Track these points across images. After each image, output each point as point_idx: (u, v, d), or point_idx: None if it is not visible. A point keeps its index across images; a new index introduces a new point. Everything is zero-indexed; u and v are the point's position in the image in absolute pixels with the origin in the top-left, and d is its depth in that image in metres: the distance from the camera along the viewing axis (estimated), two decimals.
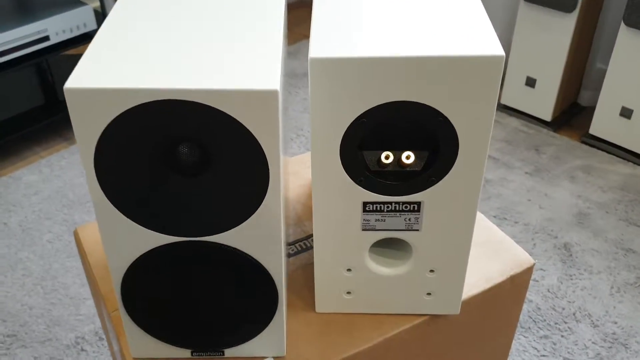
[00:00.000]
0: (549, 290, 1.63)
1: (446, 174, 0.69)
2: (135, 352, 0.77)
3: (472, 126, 0.65)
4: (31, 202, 1.87)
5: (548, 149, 2.14)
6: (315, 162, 0.69)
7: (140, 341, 0.75)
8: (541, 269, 1.70)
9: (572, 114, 2.31)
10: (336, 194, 0.71)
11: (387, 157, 0.69)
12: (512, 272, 0.90)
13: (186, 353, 0.76)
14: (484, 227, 0.97)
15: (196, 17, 0.68)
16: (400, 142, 0.69)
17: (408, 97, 0.63)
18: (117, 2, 0.72)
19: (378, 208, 0.72)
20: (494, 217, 1.86)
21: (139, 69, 0.58)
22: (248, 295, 0.71)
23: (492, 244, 0.94)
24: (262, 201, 0.63)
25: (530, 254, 1.91)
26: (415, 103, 0.64)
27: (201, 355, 0.76)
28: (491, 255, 0.92)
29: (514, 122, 2.27)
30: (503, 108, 2.32)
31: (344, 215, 0.73)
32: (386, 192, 0.71)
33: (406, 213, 0.73)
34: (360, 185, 0.70)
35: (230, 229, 0.65)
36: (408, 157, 0.69)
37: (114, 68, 0.58)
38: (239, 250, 0.67)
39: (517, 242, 1.90)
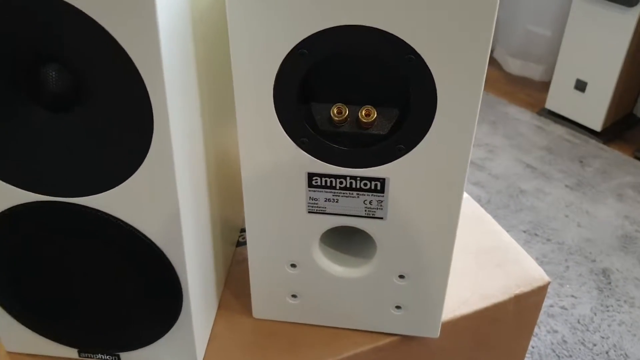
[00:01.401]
0: (579, 322, 1.40)
1: (419, 142, 0.50)
2: (10, 346, 0.60)
3: (457, 73, 0.46)
4: None
5: (594, 162, 1.90)
6: (242, 114, 0.51)
7: (13, 333, 0.58)
8: (572, 296, 1.46)
9: (626, 126, 2.05)
10: (271, 161, 0.52)
11: (339, 112, 0.50)
12: (518, 290, 0.69)
13: (72, 353, 0.59)
14: (488, 230, 0.77)
15: None
16: (359, 93, 0.50)
17: (363, 21, 0.44)
18: None
19: (328, 183, 0.53)
20: (524, 232, 1.64)
21: None
22: (143, 287, 0.53)
23: (495, 252, 0.74)
24: (146, 153, 0.45)
25: (562, 277, 1.68)
26: (374, 30, 0.45)
27: (90, 357, 0.58)
28: (493, 266, 0.72)
29: (559, 129, 2.04)
30: (547, 114, 2.09)
31: (283, 191, 0.54)
32: (338, 161, 0.52)
33: (366, 193, 0.53)
34: (303, 150, 0.51)
35: (106, 189, 0.47)
36: (368, 114, 0.50)
37: None
38: (120, 220, 0.49)
39: (547, 263, 1.67)
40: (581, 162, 1.91)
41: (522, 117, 2.12)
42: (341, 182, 0.53)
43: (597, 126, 1.97)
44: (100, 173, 0.47)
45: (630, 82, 1.96)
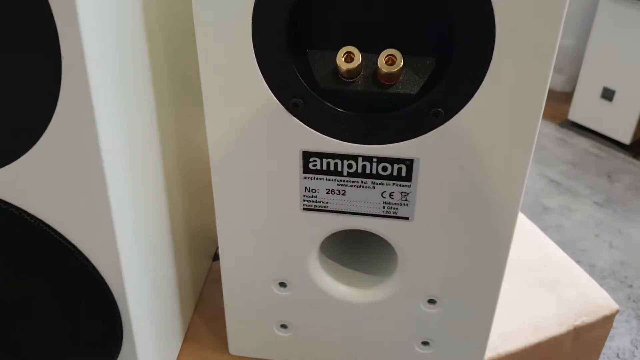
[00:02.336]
0: (618, 356, 1.23)
1: (466, 103, 0.34)
2: None
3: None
4: None
5: (624, 178, 1.74)
6: (207, 64, 0.35)
7: None
8: None
9: None
10: (250, 133, 0.37)
11: (349, 59, 0.34)
12: (578, 321, 0.53)
13: None
14: (535, 243, 0.61)
15: None
16: (377, 32, 0.34)
17: None
18: None
19: (331, 167, 0.37)
20: None
21: None
22: (67, 315, 0.37)
23: (547, 270, 0.58)
24: (52, 111, 0.29)
25: None
26: None
27: None
28: (544, 289, 0.56)
29: (584, 142, 1.88)
30: (571, 125, 1.93)
31: (267, 179, 0.38)
32: (347, 134, 0.36)
33: (385, 182, 0.38)
34: (296, 117, 0.36)
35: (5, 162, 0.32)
36: (391, 62, 0.34)
37: None
38: (26, 213, 0.33)
39: None
40: (609, 177, 1.75)
41: (544, 129, 1.97)
42: (350, 166, 0.37)
43: (626, 139, 1.81)
44: None
45: None
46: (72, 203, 0.32)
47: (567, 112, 1.95)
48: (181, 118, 0.44)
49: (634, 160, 1.82)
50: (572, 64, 2.05)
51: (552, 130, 1.96)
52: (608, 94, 1.80)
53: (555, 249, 0.61)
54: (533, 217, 1.59)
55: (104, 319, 0.37)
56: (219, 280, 0.54)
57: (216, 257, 0.58)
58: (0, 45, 0.28)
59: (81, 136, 0.30)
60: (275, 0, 0.32)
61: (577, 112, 1.91)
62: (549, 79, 0.33)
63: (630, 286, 1.39)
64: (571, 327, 0.53)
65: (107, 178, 0.32)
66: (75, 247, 0.34)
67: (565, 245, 1.51)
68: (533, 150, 0.36)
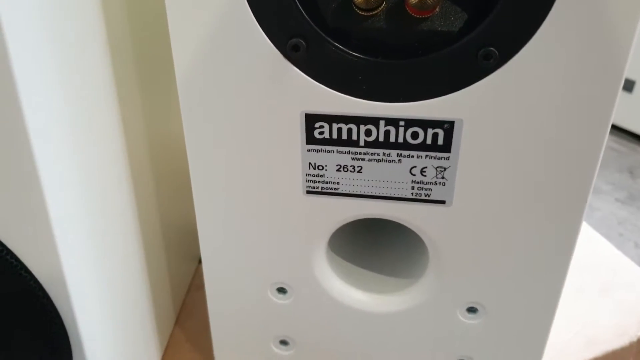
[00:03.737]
0: None
1: (526, 44, 0.25)
2: None
3: None
4: None
5: None
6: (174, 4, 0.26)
7: None
8: None
9: None
10: (238, 89, 0.28)
11: None
12: None
13: None
14: (587, 238, 0.52)
15: None
16: None
17: None
18: None
19: (344, 135, 0.28)
20: None
21: None
22: (9, 332, 0.28)
23: (601, 271, 0.48)
24: None
25: None
26: None
27: None
28: (598, 293, 0.46)
29: None
30: None
31: (259, 154, 0.29)
32: (365, 88, 0.27)
33: (416, 153, 0.28)
34: (294, 64, 0.27)
35: None
36: None
37: None
38: None
39: None
40: (631, 172, 1.65)
41: None
42: (369, 133, 0.28)
43: None
44: None
45: None
46: (7, 207, 0.23)
47: None
48: (150, 98, 0.35)
49: None
50: None
51: None
52: (628, 85, 1.71)
53: (607, 245, 0.51)
54: None
55: (49, 342, 0.27)
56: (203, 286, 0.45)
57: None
58: None
59: (10, 136, 0.21)
60: None
61: None
62: (634, 40, 0.24)
63: None
64: (633, 338, 0.43)
65: (43, 181, 0.23)
66: (13, 255, 0.25)
67: None
68: (614, 112, 0.27)
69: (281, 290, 0.34)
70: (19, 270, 0.25)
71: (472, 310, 0.33)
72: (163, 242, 0.38)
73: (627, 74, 1.64)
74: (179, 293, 0.43)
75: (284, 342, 0.36)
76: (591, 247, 0.51)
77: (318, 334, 0.36)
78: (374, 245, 0.37)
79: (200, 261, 0.48)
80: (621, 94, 1.66)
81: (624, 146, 1.77)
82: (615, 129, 1.81)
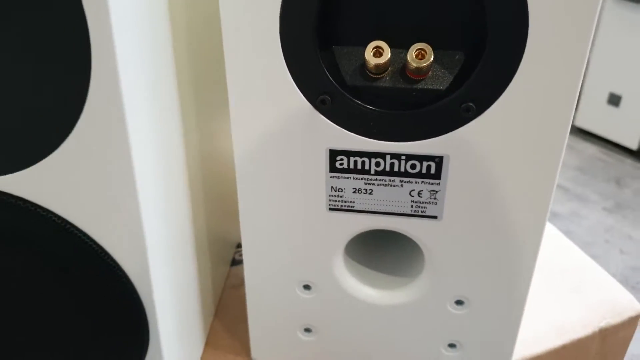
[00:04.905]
0: None
1: (497, 99, 0.33)
2: None
3: None
4: None
5: (632, 183, 1.73)
6: (233, 61, 0.35)
7: None
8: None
9: None
10: (276, 132, 0.36)
11: (377, 54, 0.34)
12: (603, 323, 0.52)
13: None
14: (559, 246, 0.60)
15: None
16: (406, 27, 0.34)
17: None
18: None
19: (359, 166, 0.37)
20: None
21: None
22: (89, 313, 0.37)
23: (570, 272, 0.57)
24: (81, 109, 0.29)
25: None
26: None
27: None
28: (568, 290, 0.55)
29: (590, 148, 1.87)
30: (577, 131, 1.93)
31: (292, 179, 0.38)
32: (375, 131, 0.36)
33: (414, 180, 0.37)
34: (323, 114, 0.35)
35: (24, 167, 0.31)
36: (421, 56, 0.33)
37: None
38: (55, 215, 0.32)
39: None
40: (618, 183, 1.74)
41: None
42: (378, 164, 0.37)
43: (634, 144, 1.81)
44: (12, 142, 0.30)
45: None
46: (100, 205, 0.32)
47: (573, 117, 1.95)
48: (204, 122, 0.43)
49: None
50: None
51: None
52: (614, 100, 1.80)
53: (576, 251, 0.60)
54: None
55: (131, 323, 0.36)
56: (237, 285, 0.54)
57: (234, 262, 0.57)
58: (28, 42, 0.28)
59: (111, 136, 0.30)
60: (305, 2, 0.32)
61: (583, 118, 1.91)
62: (581, 74, 0.33)
63: None
64: (596, 329, 0.52)
65: (137, 180, 0.31)
66: (103, 249, 0.33)
67: None
68: (564, 148, 0.36)
69: (306, 287, 0.43)
70: (117, 271, 0.34)
71: (459, 302, 0.42)
72: (207, 247, 0.46)
73: (614, 89, 1.74)
74: (217, 291, 0.51)
75: (307, 330, 0.45)
76: (564, 253, 0.59)
77: (335, 323, 0.44)
78: (381, 250, 0.45)
79: (231, 264, 0.56)
80: (608, 108, 1.76)
81: (611, 157, 1.86)
82: (603, 140, 1.90)
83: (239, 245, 0.59)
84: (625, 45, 1.73)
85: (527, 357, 0.49)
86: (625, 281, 1.41)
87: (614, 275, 1.41)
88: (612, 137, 1.86)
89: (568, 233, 1.55)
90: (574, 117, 1.76)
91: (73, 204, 0.32)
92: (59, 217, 0.32)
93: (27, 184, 0.31)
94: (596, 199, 1.68)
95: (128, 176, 0.31)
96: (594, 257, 1.48)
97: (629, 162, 1.84)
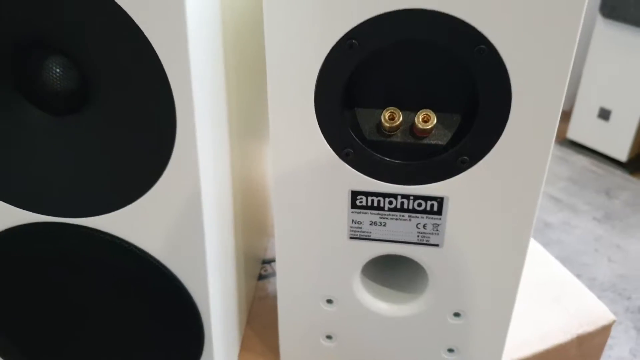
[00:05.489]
0: None
1: (487, 153, 0.42)
2: None
3: (537, 67, 0.38)
4: None
5: (622, 194, 1.82)
6: (276, 122, 0.43)
7: None
8: (610, 336, 1.36)
9: None
10: (309, 176, 0.45)
11: (391, 118, 0.42)
12: (580, 331, 0.60)
13: None
14: (542, 262, 0.69)
15: None
16: (415, 95, 0.42)
17: (427, 4, 0.37)
18: None
19: (375, 203, 0.45)
20: None
21: None
22: (158, 326, 0.45)
23: (553, 287, 0.65)
24: (165, 167, 0.37)
25: None
26: (439, 15, 0.37)
27: None
28: (550, 303, 0.63)
29: (582, 160, 1.96)
30: (570, 144, 2.01)
31: (321, 213, 0.46)
32: (389, 177, 0.44)
33: (420, 216, 0.45)
34: (347, 163, 0.44)
35: (116, 208, 0.39)
36: (426, 120, 0.42)
37: None
38: (136, 247, 0.41)
39: None
40: (608, 194, 1.82)
41: None
42: (391, 202, 0.45)
43: (623, 156, 1.89)
44: (110, 189, 0.39)
45: None
46: (173, 238, 0.40)
47: (565, 130, 2.04)
48: (243, 157, 0.51)
49: (631, 177, 1.90)
50: (569, 84, 2.14)
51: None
52: (604, 114, 1.89)
53: (558, 266, 0.68)
54: (535, 233, 1.67)
55: (192, 333, 0.44)
56: (264, 297, 0.62)
57: (260, 277, 0.65)
58: (130, 110, 0.36)
59: (185, 182, 0.38)
60: (336, 69, 0.40)
61: (575, 131, 1.99)
62: (553, 136, 0.41)
63: (629, 298, 1.47)
64: (574, 336, 0.60)
65: (205, 217, 0.39)
66: (172, 274, 0.41)
67: (566, 259, 1.59)
68: (541, 192, 0.44)
69: (329, 301, 0.51)
70: (182, 291, 0.42)
71: (457, 314, 0.50)
72: (243, 265, 0.55)
73: (604, 104, 1.83)
74: (248, 302, 0.60)
75: (329, 337, 0.53)
76: (546, 268, 0.68)
77: (353, 331, 0.52)
78: (392, 270, 0.53)
79: (258, 278, 0.65)
80: (599, 121, 1.85)
81: (602, 169, 1.95)
82: (594, 152, 1.99)
83: (265, 262, 0.67)
84: (614, 62, 1.82)
85: (515, 359, 0.57)
86: (612, 288, 1.50)
87: (602, 283, 1.49)
88: (603, 150, 1.95)
89: (559, 242, 1.64)
90: (566, 130, 1.86)
91: (151, 238, 0.40)
92: (136, 247, 0.41)
93: (116, 222, 0.40)
94: (587, 209, 1.77)
95: (197, 215, 0.39)
96: (583, 265, 1.57)
97: (618, 173, 1.92)
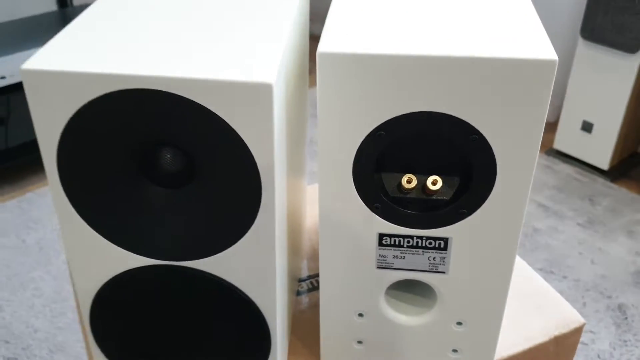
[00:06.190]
0: (599, 356, 1.46)
1: (480, 207, 0.57)
2: None
3: (514, 148, 0.54)
4: (52, 221, 1.81)
5: (603, 200, 1.97)
6: (324, 182, 0.58)
7: None
8: (591, 332, 1.52)
9: (632, 164, 2.14)
10: (347, 223, 0.60)
11: (409, 181, 0.57)
12: (557, 332, 0.76)
13: None
14: (526, 277, 0.84)
15: (191, 7, 0.59)
16: (426, 164, 0.58)
17: (436, 107, 0.52)
18: None
19: (397, 242, 0.60)
20: (540, 269, 1.70)
21: (111, 53, 0.49)
22: (236, 336, 0.60)
23: (535, 298, 0.80)
24: (252, 222, 0.52)
25: (580, 314, 1.72)
26: (444, 116, 0.52)
27: None
28: (533, 311, 0.78)
29: (567, 169, 2.11)
30: (556, 154, 2.17)
31: (356, 249, 0.61)
32: (407, 223, 0.59)
33: (430, 251, 0.61)
34: (376, 214, 0.59)
35: (214, 253, 0.54)
36: (434, 183, 0.57)
37: (82, 51, 0.49)
38: (224, 280, 0.56)
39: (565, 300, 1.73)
40: (591, 200, 1.98)
41: None
42: (408, 242, 0.60)
43: (604, 165, 2.05)
44: (208, 240, 0.54)
45: (634, 122, 2.05)
46: (252, 273, 0.55)
47: (552, 141, 2.20)
48: (291, 195, 0.66)
49: (612, 185, 2.06)
50: (555, 97, 2.29)
51: (539, 159, 2.20)
52: (587, 127, 2.05)
53: (540, 280, 0.83)
54: (525, 238, 1.82)
55: (261, 342, 0.59)
56: (303, 310, 0.77)
57: (298, 293, 0.80)
58: (220, 180, 0.51)
59: (266, 234, 0.53)
60: (368, 150, 0.55)
61: (561, 142, 2.15)
62: (527, 197, 0.57)
63: (609, 297, 1.63)
64: (552, 337, 0.75)
65: (277, 255, 0.55)
66: (250, 299, 0.56)
67: (553, 262, 1.75)
68: (521, 231, 0.59)
69: (360, 315, 0.66)
70: (257, 313, 0.57)
71: (459, 323, 0.65)
72: (290, 282, 0.70)
73: (587, 117, 1.99)
74: (291, 315, 0.75)
75: (359, 342, 0.68)
76: (532, 284, 0.83)
77: (378, 337, 0.67)
78: (408, 290, 0.68)
79: (297, 294, 0.80)
80: (582, 133, 2.01)
81: (586, 177, 2.10)
82: (578, 162, 2.14)
83: (301, 280, 0.82)
84: (595, 80, 1.97)
85: (504, 356, 0.72)
86: (595, 288, 1.66)
87: (585, 283, 1.65)
88: (586, 159, 2.11)
89: (547, 246, 1.79)
90: (553, 141, 2.03)
91: (236, 273, 0.55)
92: (227, 282, 0.56)
93: (212, 264, 0.55)
94: (571, 215, 1.92)
95: (271, 256, 0.54)
96: (569, 267, 1.72)
97: (600, 181, 2.08)
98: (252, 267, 0.55)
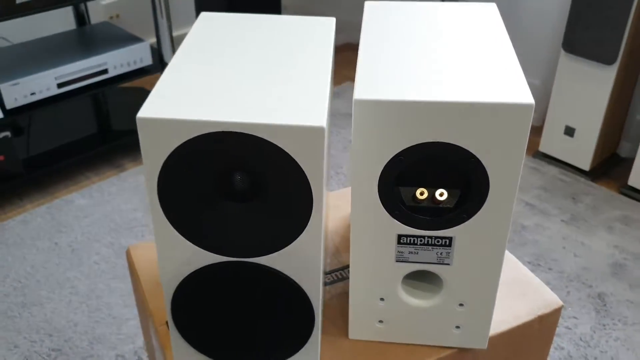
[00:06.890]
0: (581, 339, 1.63)
1: (477, 212, 0.74)
2: None
3: (502, 168, 0.70)
4: (81, 225, 1.96)
5: (585, 198, 2.15)
6: (355, 195, 0.74)
7: (185, 354, 0.81)
8: (574, 317, 1.70)
9: (611, 165, 2.32)
10: (373, 226, 0.76)
11: (421, 193, 0.74)
12: (539, 312, 0.92)
13: None
14: (514, 268, 1.01)
15: (253, 59, 0.75)
16: (435, 180, 0.74)
17: (443, 139, 0.69)
18: (182, 45, 0.80)
19: (412, 241, 0.77)
20: (529, 262, 1.87)
21: (201, 103, 0.65)
22: (287, 316, 0.76)
23: (521, 284, 0.97)
24: (305, 227, 0.69)
25: (564, 302, 1.91)
26: (449, 144, 0.69)
27: None
28: (519, 295, 0.95)
29: (552, 170, 2.29)
30: (542, 156, 2.34)
31: (379, 247, 0.78)
32: (420, 226, 0.76)
33: (438, 247, 0.77)
34: (395, 219, 0.75)
35: (274, 252, 0.71)
36: (441, 194, 0.74)
37: (179, 102, 0.65)
38: (281, 272, 0.72)
39: (551, 289, 1.90)
40: (574, 198, 2.16)
41: None
42: (421, 240, 0.77)
43: (586, 166, 2.23)
44: (270, 240, 0.70)
45: (612, 126, 2.23)
46: (303, 265, 0.72)
47: (538, 144, 2.37)
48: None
49: (593, 184, 2.24)
50: (540, 102, 2.47)
51: (527, 161, 2.38)
52: (570, 131, 2.22)
53: (525, 270, 1.00)
54: (514, 234, 2.00)
55: (306, 321, 0.76)
56: (331, 297, 0.94)
57: (325, 283, 0.97)
58: (279, 195, 0.67)
59: (315, 234, 0.69)
60: (390, 171, 0.72)
61: (546, 145, 2.33)
62: (513, 204, 0.73)
63: (590, 286, 1.80)
64: (536, 316, 0.92)
65: (321, 253, 0.71)
66: (299, 286, 0.73)
67: (540, 256, 1.92)
68: (508, 234, 0.76)
69: (381, 299, 0.83)
70: (304, 297, 0.73)
71: (461, 304, 0.82)
72: (323, 274, 0.86)
73: (569, 123, 2.17)
74: (322, 301, 0.91)
75: (380, 321, 0.85)
76: (518, 272, 1.00)
77: (396, 318, 0.84)
78: (420, 278, 0.85)
79: (324, 284, 0.96)
80: (565, 137, 2.20)
81: (569, 177, 2.28)
82: (562, 163, 2.32)
83: (326, 272, 0.98)
84: (576, 89, 2.15)
85: (497, 332, 0.89)
86: (577, 278, 1.83)
87: (569, 274, 1.83)
88: (569, 161, 2.28)
89: (534, 241, 1.97)
90: (539, 144, 2.24)
91: (290, 267, 0.72)
92: (283, 274, 0.72)
93: (274, 260, 0.71)
94: (556, 213, 2.10)
95: (317, 253, 0.71)
96: (554, 260, 1.91)
97: (582, 180, 2.26)
98: (303, 262, 0.71)
